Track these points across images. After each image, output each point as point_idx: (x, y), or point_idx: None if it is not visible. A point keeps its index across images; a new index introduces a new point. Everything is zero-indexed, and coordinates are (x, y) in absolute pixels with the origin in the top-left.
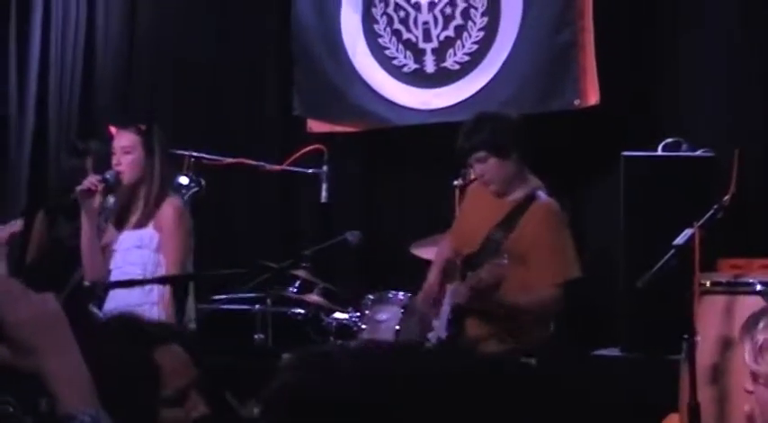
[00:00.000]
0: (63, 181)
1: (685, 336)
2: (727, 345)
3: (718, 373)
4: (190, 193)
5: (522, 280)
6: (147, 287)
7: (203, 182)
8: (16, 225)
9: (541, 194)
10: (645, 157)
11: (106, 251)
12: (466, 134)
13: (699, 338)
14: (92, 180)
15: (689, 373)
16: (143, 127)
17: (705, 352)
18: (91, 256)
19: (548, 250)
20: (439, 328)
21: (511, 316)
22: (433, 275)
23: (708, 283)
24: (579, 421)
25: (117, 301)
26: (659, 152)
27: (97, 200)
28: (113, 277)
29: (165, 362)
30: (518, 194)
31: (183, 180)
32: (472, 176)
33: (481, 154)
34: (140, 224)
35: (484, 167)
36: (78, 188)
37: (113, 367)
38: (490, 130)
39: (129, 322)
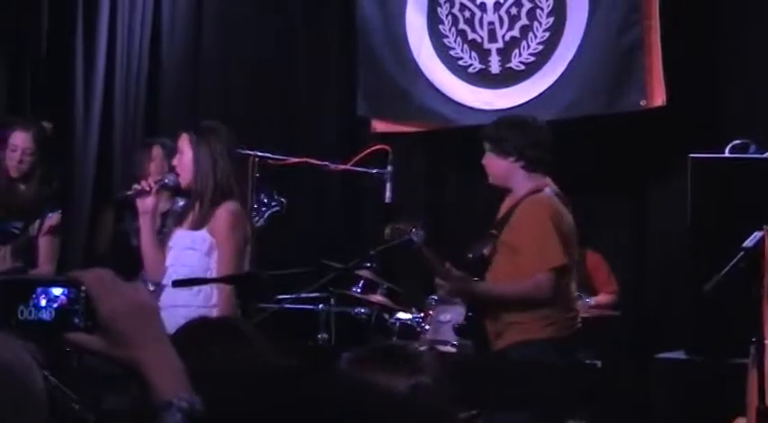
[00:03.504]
0: (130, 177)
1: (753, 339)
2: None
3: None
4: (270, 211)
5: (515, 267)
6: (195, 289)
7: (284, 201)
8: (52, 218)
9: (546, 190)
10: (712, 160)
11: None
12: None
13: (767, 342)
14: (148, 181)
15: (757, 377)
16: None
17: None
18: (148, 257)
19: (532, 239)
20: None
21: (502, 303)
22: None
23: None
24: None
25: (164, 300)
26: (726, 154)
27: (151, 201)
28: (168, 275)
29: None
30: (520, 193)
31: (265, 199)
32: None
33: (485, 145)
34: (196, 226)
35: (485, 159)
36: (134, 187)
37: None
38: (495, 125)
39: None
